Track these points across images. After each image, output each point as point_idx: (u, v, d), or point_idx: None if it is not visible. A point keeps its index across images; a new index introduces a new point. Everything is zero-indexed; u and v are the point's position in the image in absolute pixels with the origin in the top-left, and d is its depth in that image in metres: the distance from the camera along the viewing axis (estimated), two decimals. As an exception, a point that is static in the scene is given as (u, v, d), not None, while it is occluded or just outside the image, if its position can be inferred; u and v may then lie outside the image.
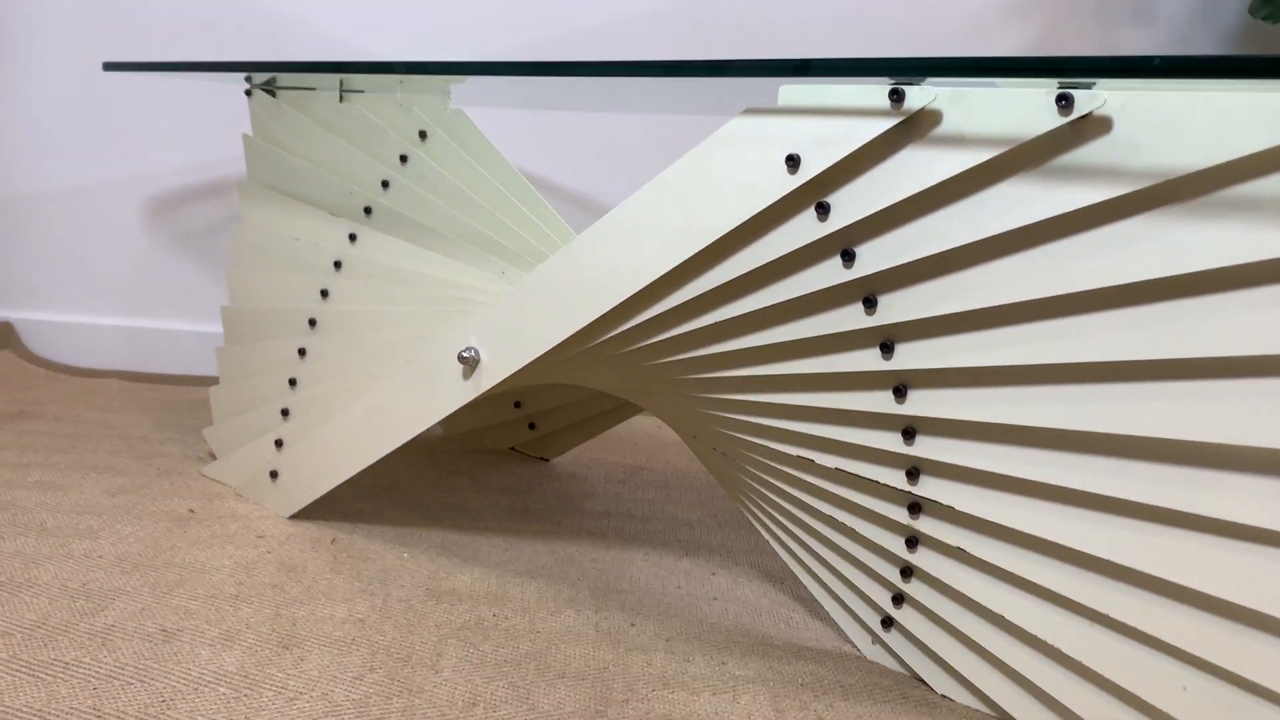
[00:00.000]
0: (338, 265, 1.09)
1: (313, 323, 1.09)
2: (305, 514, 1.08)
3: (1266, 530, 0.57)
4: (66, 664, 0.75)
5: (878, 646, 0.83)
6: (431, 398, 0.91)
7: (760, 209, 0.66)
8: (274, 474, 1.08)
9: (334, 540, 1.02)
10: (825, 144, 0.63)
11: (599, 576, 0.98)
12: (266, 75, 1.17)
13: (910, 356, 0.66)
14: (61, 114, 1.61)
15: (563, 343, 0.80)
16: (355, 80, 1.12)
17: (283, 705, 0.72)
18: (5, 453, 1.22)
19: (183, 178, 1.62)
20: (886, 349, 0.67)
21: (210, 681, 0.74)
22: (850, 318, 0.68)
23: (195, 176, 1.62)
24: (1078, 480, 0.62)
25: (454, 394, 0.89)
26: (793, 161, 0.64)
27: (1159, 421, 0.58)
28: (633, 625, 0.88)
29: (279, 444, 1.09)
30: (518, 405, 1.34)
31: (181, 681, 0.74)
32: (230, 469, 1.15)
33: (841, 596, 0.84)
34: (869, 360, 0.68)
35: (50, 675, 0.73)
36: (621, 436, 1.53)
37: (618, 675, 0.79)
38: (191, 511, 1.07)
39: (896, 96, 0.60)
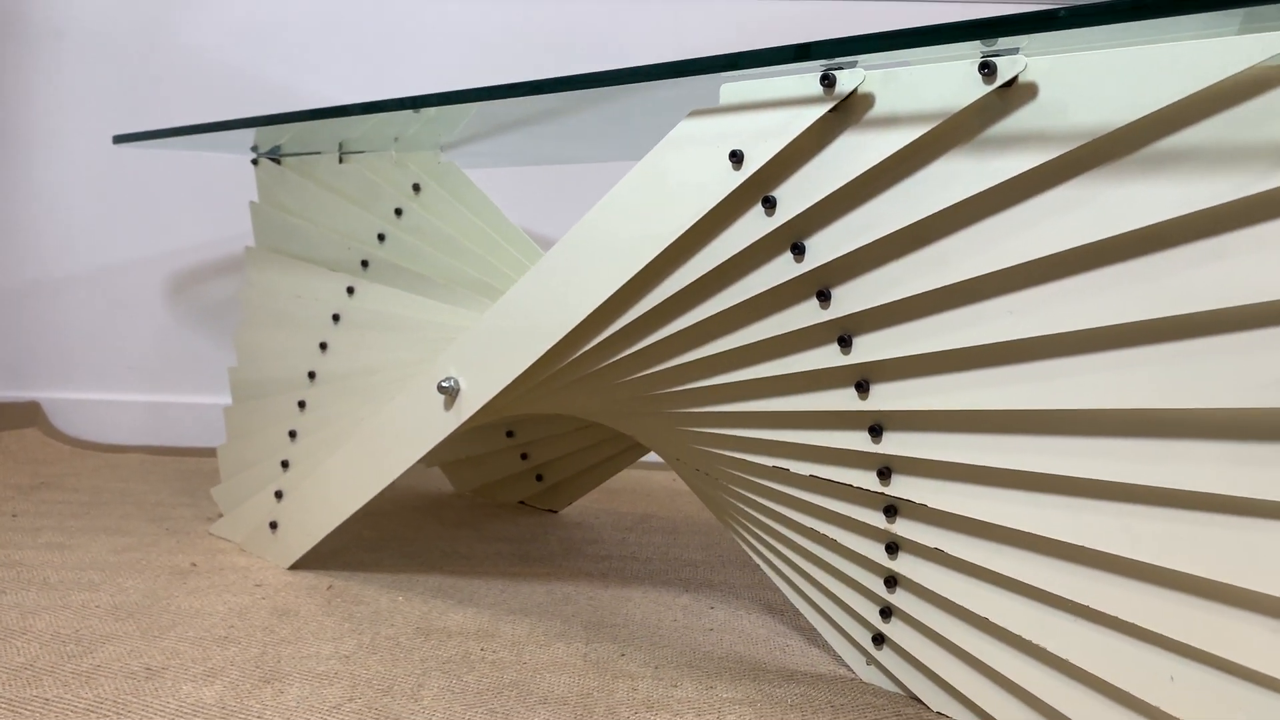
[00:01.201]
0: (336, 318, 1.11)
1: (312, 375, 1.11)
2: (306, 564, 1.08)
3: (1231, 498, 0.55)
4: (47, 700, 0.75)
5: (872, 667, 0.80)
6: (418, 431, 0.91)
7: (709, 208, 0.67)
8: (274, 525, 1.09)
9: (330, 586, 1.02)
10: (765, 137, 0.63)
11: (594, 612, 0.97)
12: (272, 144, 1.21)
13: (869, 349, 0.66)
14: (83, 196, 1.67)
15: (535, 364, 0.80)
16: (354, 141, 1.15)
17: (256, 733, 0.71)
18: (22, 519, 1.24)
19: (202, 254, 1.67)
20: (845, 343, 0.67)
21: (187, 713, 0.73)
22: (806, 314, 0.67)
23: (214, 252, 1.67)
24: (1044, 464, 0.61)
25: (439, 425, 0.89)
26: (736, 158, 0.65)
27: (1116, 393, 0.57)
28: (622, 655, 0.86)
29: (279, 495, 1.10)
30: (524, 457, 1.34)
31: (158, 714, 0.73)
32: (235, 525, 1.16)
33: (832, 615, 0.81)
34: (829, 357, 0.68)
35: (29, 711, 0.73)
36: (635, 489, 1.52)
37: (600, 700, 0.77)
38: (194, 565, 1.08)
39: (828, 82, 0.60)
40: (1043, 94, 0.55)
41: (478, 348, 0.85)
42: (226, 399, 1.71)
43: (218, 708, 0.74)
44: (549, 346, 0.79)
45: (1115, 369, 0.57)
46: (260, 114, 1.63)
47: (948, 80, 0.57)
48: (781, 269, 0.66)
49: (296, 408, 1.12)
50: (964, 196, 0.58)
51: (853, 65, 0.59)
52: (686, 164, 0.68)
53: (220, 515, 1.24)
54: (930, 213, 0.59)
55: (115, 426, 1.70)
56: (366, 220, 1.11)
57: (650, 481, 1.58)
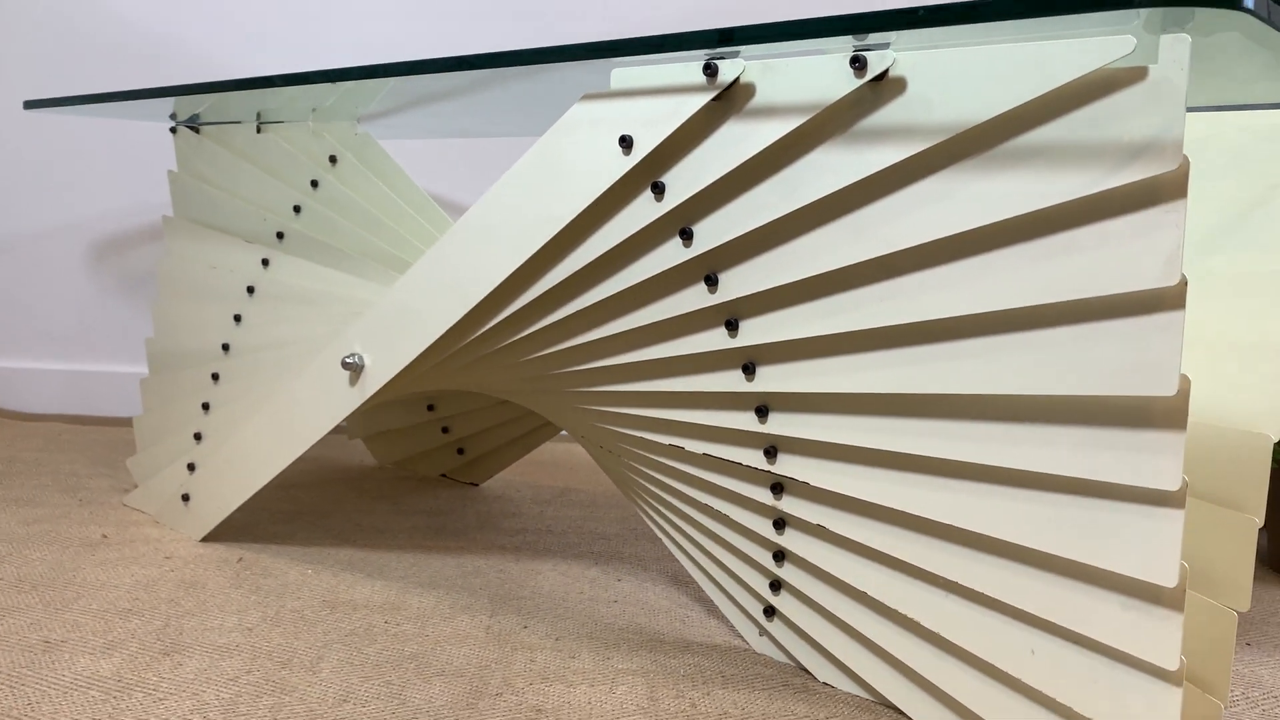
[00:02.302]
0: (250, 290, 1.11)
1: (226, 348, 1.11)
2: (218, 536, 1.08)
3: (1084, 480, 0.57)
4: (-61, 673, 0.75)
5: (764, 639, 0.83)
6: (324, 406, 0.92)
7: (601, 191, 0.68)
8: (186, 498, 1.09)
9: (240, 559, 1.02)
10: (653, 123, 0.64)
11: (502, 585, 0.98)
12: (190, 113, 1.19)
13: (755, 332, 0.67)
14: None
15: (435, 343, 0.81)
16: (272, 111, 1.14)
17: (150, 705, 0.71)
18: (-70, 490, 1.22)
19: (123, 221, 1.65)
20: (732, 327, 0.68)
21: (82, 686, 0.74)
22: (695, 298, 0.69)
23: (135, 220, 1.65)
24: (917, 445, 0.63)
25: (344, 401, 0.90)
26: (626, 143, 0.66)
27: (982, 379, 0.59)
28: (525, 627, 0.88)
29: (191, 468, 1.10)
30: (445, 431, 1.35)
31: (53, 687, 0.73)
32: (148, 497, 1.16)
33: (726, 588, 0.84)
34: (717, 340, 0.69)
35: (-80, 684, 0.73)
36: (558, 462, 1.53)
37: (497, 672, 0.79)
38: (104, 537, 1.08)
39: (710, 71, 0.61)
40: (910, 89, 0.56)
41: (381, 325, 0.86)
42: (146, 369, 1.69)
43: (114, 680, 0.75)
44: (448, 326, 0.79)
45: (981, 356, 0.59)
46: (182, 82, 1.61)
47: (822, 73, 0.58)
48: (671, 253, 0.68)
49: (210, 380, 1.11)
50: (839, 187, 0.60)
51: (734, 55, 0.61)
52: (579, 147, 0.68)
53: (136, 487, 1.23)
54: (807, 202, 0.61)
55: (35, 396, 1.68)
56: (283, 192, 1.10)
57: (573, 455, 1.59)
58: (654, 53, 0.60)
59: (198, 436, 1.10)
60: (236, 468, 1.02)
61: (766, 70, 0.60)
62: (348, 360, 0.88)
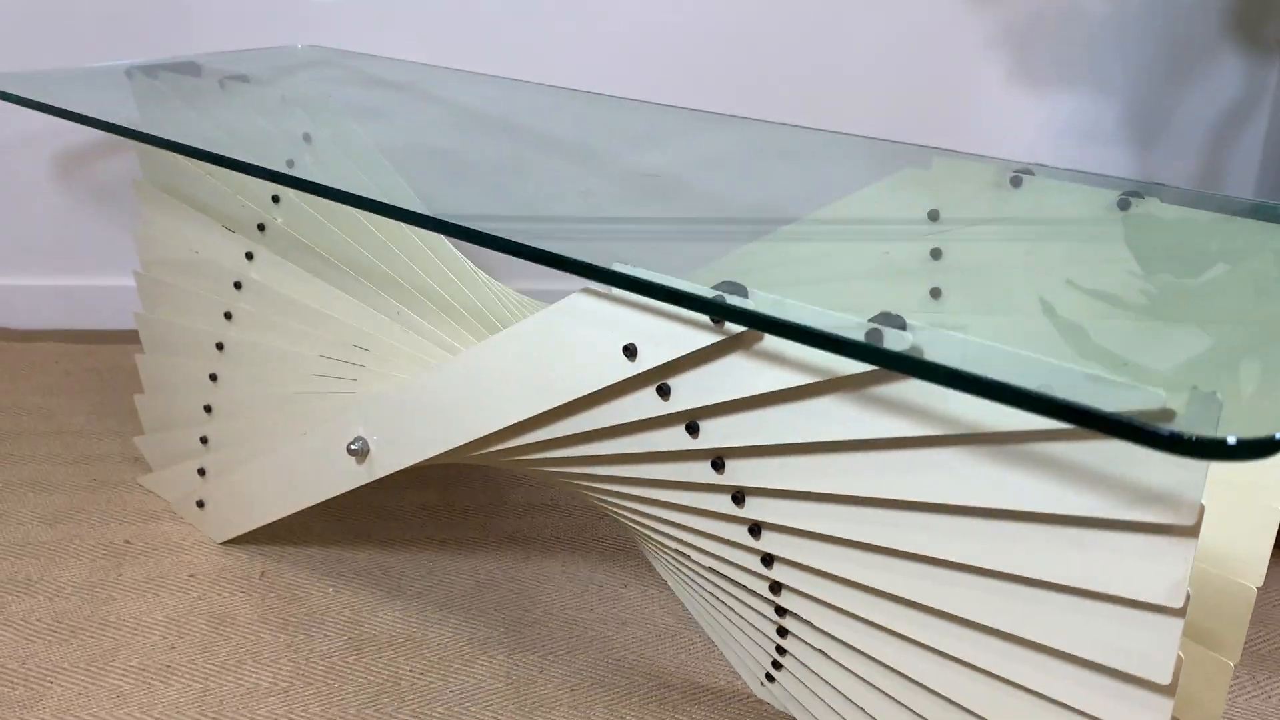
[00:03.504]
0: (238, 286, 1.08)
1: (220, 346, 1.10)
2: (237, 539, 1.12)
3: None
4: (7, 780, 0.81)
5: (766, 689, 0.89)
6: (329, 476, 0.93)
7: (603, 386, 0.66)
8: (200, 504, 1.12)
9: (263, 574, 1.07)
10: (658, 342, 0.62)
11: (516, 603, 1.03)
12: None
13: (759, 509, 0.68)
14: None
15: (442, 453, 0.82)
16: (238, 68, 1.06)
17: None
18: (-55, 470, 1.25)
19: (80, 132, 1.56)
20: (738, 500, 0.69)
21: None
22: (700, 473, 0.69)
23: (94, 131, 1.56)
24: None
25: (350, 476, 0.91)
26: (630, 352, 0.63)
27: (972, 604, 0.61)
28: (542, 672, 0.94)
29: (201, 472, 1.12)
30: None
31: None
32: (162, 485, 1.19)
33: (728, 639, 0.89)
34: (720, 504, 0.70)
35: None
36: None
37: (520, 745, 0.86)
38: (128, 543, 1.12)
39: (717, 320, 0.58)
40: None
41: (388, 418, 0.86)
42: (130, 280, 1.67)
43: (169, 778, 0.81)
44: (455, 445, 0.79)
45: (981, 589, 0.60)
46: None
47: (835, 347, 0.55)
48: (677, 439, 0.67)
49: (209, 380, 1.11)
50: (847, 437, 0.59)
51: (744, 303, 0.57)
52: (582, 340, 0.66)
53: (144, 458, 1.25)
54: (818, 439, 0.60)
55: (26, 311, 1.66)
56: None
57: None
58: (663, 299, 0.57)
59: (204, 440, 1.12)
60: (250, 496, 1.05)
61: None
62: (352, 446, 0.88)
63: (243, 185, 1.04)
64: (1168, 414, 0.45)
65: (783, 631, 0.79)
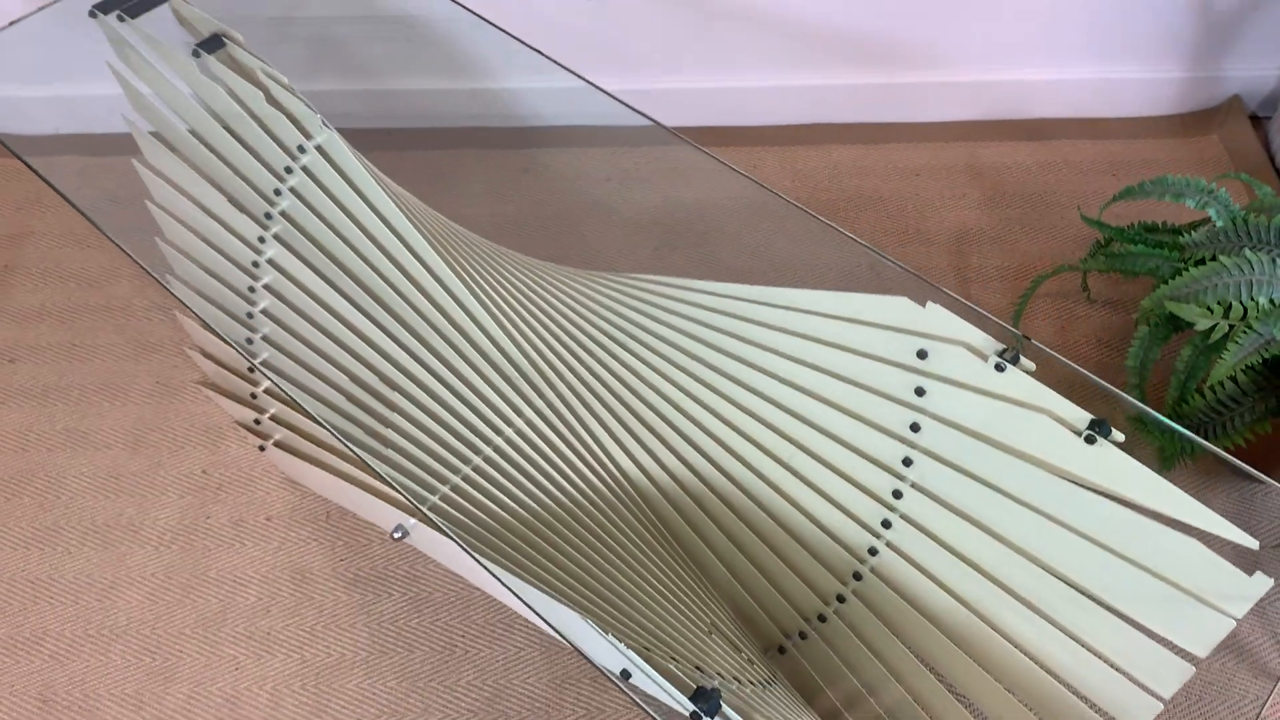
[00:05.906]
0: (255, 265, 1.13)
1: (250, 317, 1.16)
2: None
3: None
4: (173, 758, 1.08)
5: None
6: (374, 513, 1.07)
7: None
8: (261, 448, 1.26)
9: (328, 515, 1.24)
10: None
11: None
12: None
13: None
14: None
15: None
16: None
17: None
18: (20, 365, 1.36)
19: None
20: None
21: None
22: None
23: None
24: None
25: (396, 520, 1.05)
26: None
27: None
28: (568, 639, 1.16)
29: (257, 422, 1.24)
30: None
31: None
32: (222, 404, 1.32)
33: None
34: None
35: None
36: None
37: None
38: (204, 473, 1.28)
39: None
40: None
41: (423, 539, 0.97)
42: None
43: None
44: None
45: None
46: None
47: None
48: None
49: (246, 348, 1.19)
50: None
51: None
52: None
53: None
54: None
55: (26, 119, 1.64)
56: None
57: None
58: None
59: (253, 396, 1.22)
60: (307, 469, 1.18)
61: None
62: (395, 535, 1.00)
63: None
64: None
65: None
